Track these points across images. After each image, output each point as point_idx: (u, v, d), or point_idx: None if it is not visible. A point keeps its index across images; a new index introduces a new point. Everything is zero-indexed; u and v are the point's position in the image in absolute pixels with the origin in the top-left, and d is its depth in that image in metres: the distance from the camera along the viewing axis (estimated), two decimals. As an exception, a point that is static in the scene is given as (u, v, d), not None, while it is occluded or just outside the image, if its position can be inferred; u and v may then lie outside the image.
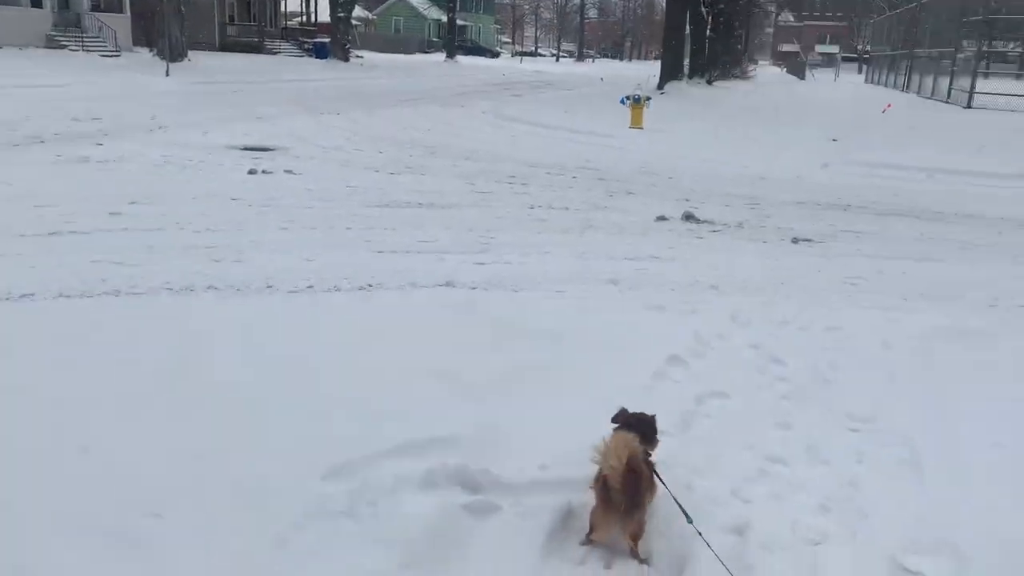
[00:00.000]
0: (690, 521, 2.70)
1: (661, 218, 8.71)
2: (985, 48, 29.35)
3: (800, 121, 20.00)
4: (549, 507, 3.03)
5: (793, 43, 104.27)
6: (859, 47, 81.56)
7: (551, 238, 7.64)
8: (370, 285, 5.93)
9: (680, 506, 2.72)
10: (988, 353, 4.68)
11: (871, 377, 4.54)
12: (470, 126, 17.72)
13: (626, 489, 2.76)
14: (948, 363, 4.60)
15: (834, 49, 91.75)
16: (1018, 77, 37.68)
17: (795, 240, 7.94)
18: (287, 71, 33.79)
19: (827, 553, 2.81)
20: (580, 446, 3.21)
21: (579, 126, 17.86)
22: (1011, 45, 45.90)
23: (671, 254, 7.28)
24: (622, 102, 18.39)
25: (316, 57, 44.06)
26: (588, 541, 2.90)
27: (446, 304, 5.33)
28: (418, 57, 59.14)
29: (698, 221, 8.66)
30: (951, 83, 27.51)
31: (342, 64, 42.82)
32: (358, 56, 48.15)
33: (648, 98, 18.22)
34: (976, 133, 16.81)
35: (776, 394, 4.35)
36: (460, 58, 57.49)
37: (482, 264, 6.63)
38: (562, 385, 4.08)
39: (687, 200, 9.97)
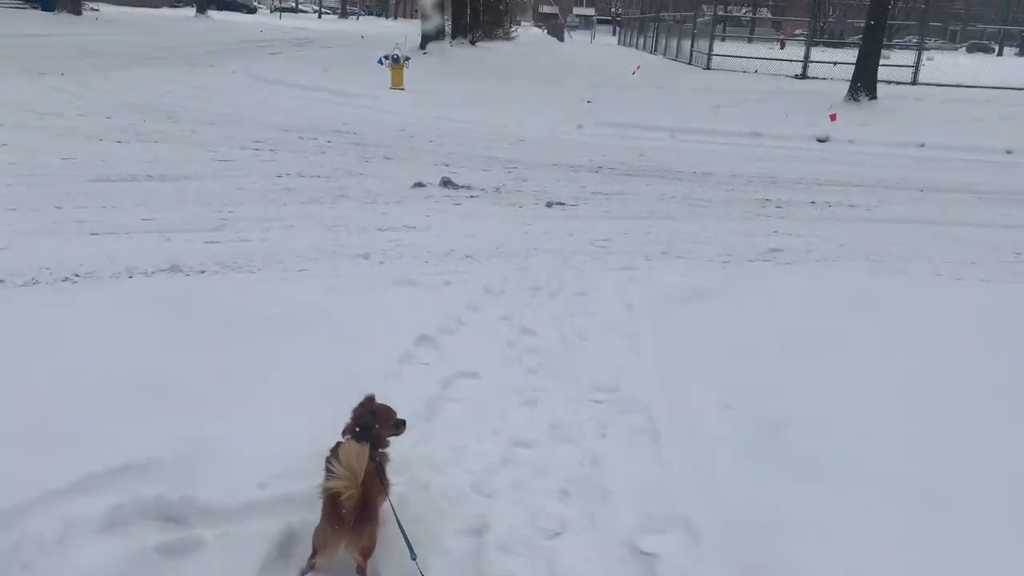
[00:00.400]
0: (413, 558, 2.43)
1: (419, 184, 8.42)
2: (721, 12, 31.75)
3: (558, 82, 20.47)
4: (265, 534, 2.65)
5: (552, 5, 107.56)
6: (612, 10, 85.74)
7: (299, 210, 7.09)
8: (77, 275, 5.12)
9: (406, 539, 2.44)
10: (717, 311, 4.86)
11: (615, 343, 4.56)
12: (218, 88, 16.33)
13: (357, 502, 2.45)
14: (682, 323, 4.72)
15: (590, 12, 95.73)
16: (749, 40, 41.23)
17: (549, 204, 7.97)
18: (2, 24, 29.41)
19: (565, 546, 2.69)
20: (309, 453, 2.86)
21: (338, 87, 17.06)
22: (744, 10, 50.40)
23: (427, 223, 7.02)
24: (380, 62, 17.79)
25: (41, 9, 38.77)
26: (311, 567, 2.56)
27: (163, 295, 4.68)
28: (165, 12, 53.89)
29: (456, 187, 8.47)
30: (692, 46, 29.50)
31: (73, 18, 38.01)
32: (93, 9, 43.03)
33: (407, 58, 17.76)
34: (713, 94, 18.05)
35: (525, 368, 4.23)
36: (212, 13, 53.14)
37: (215, 243, 5.98)
38: (291, 383, 3.67)
39: (446, 165, 9.75)
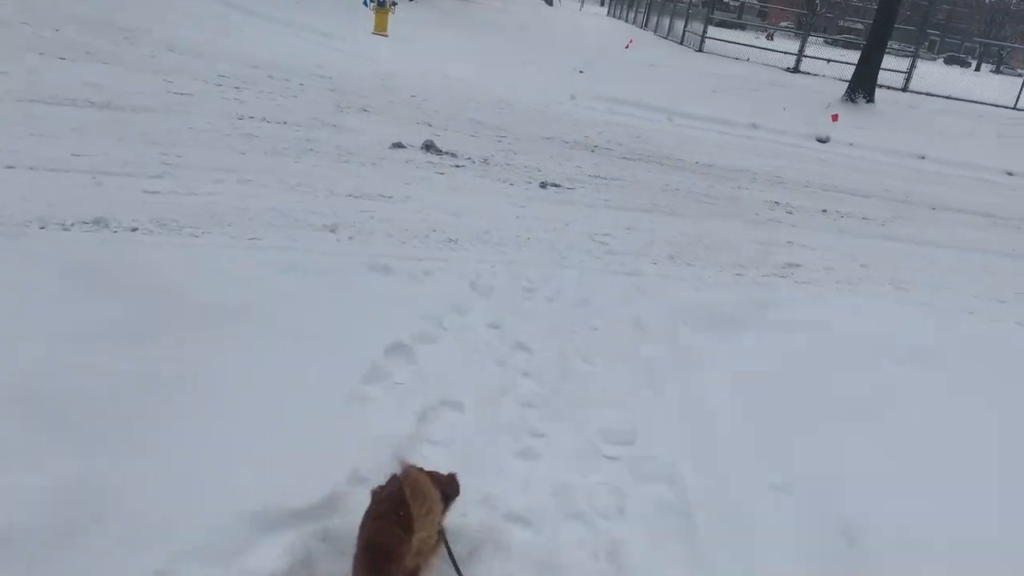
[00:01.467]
0: None
1: (398, 145, 7.50)
2: (713, -4, 30.92)
3: (549, 47, 19.48)
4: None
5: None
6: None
7: (258, 161, 6.15)
8: (-28, 223, 4.16)
9: None
10: (748, 348, 4.11)
11: (626, 375, 3.80)
12: (186, 10, 14.97)
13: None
14: (707, 360, 3.96)
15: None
16: (738, 28, 40.54)
17: (543, 184, 7.14)
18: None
19: None
20: (235, 517, 2.06)
21: (317, 24, 15.82)
22: (733, -3, 49.57)
23: (405, 192, 6.14)
24: (365, 4, 16.60)
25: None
26: None
27: (79, 261, 3.74)
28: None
29: (440, 152, 7.57)
30: (686, 26, 28.64)
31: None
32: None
33: (395, 3, 16.60)
34: (708, 78, 17.28)
35: (520, 400, 3.45)
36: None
37: (155, 193, 5.04)
38: (225, 404, 2.83)
39: (429, 125, 8.82)
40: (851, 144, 13.24)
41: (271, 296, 3.76)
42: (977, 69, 64.23)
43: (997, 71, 66.25)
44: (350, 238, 4.97)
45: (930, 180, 11.28)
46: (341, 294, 4.00)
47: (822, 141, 13.31)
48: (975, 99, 22.39)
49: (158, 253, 4.05)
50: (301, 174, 6.03)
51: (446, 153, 7.58)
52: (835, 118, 13.96)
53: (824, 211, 8.03)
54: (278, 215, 5.09)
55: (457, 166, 7.26)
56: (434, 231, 5.42)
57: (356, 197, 5.78)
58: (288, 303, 3.73)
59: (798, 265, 6.09)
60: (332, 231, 5.03)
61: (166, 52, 10.08)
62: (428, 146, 7.60)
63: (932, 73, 24.31)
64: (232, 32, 13.16)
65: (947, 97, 22.52)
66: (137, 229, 4.45)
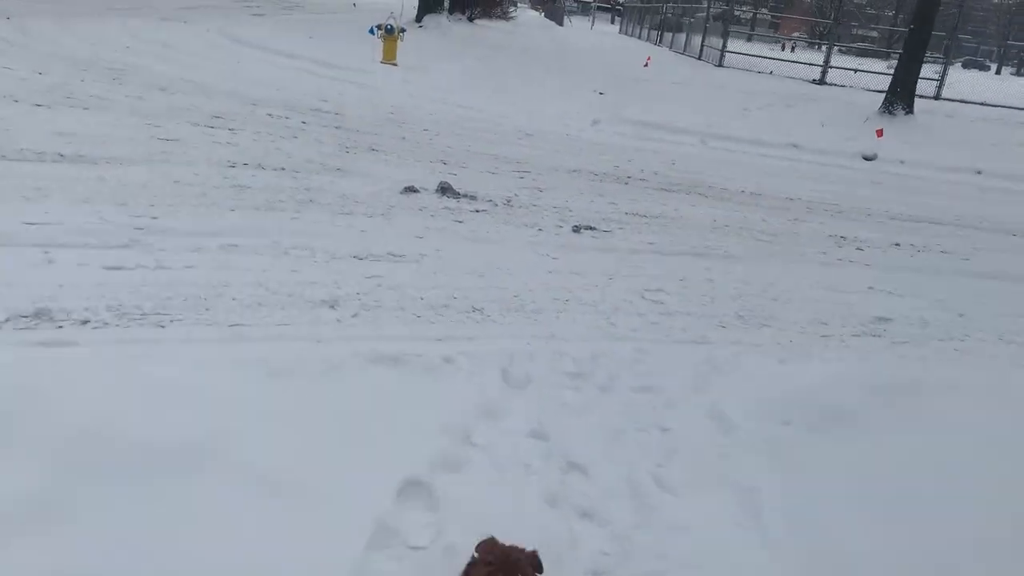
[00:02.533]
0: None
1: (410, 189, 6.61)
2: (724, 7, 30.04)
3: (564, 69, 18.66)
4: None
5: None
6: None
7: (247, 220, 5.27)
8: None
9: None
10: (881, 463, 3.12)
11: (721, 509, 2.84)
12: (186, 48, 14.31)
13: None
14: (833, 483, 2.98)
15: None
16: (748, 39, 39.54)
17: (576, 228, 6.21)
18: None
19: None
20: None
21: (324, 56, 15.07)
22: (745, 9, 48.74)
23: (419, 249, 5.24)
24: (371, 32, 15.85)
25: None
26: None
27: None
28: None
29: (457, 195, 6.67)
30: (703, 41, 27.80)
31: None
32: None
33: (403, 30, 15.84)
34: (735, 95, 16.37)
35: (585, 566, 2.49)
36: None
37: (117, 270, 4.17)
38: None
39: (444, 163, 7.94)
40: (901, 161, 12.23)
41: (247, 421, 2.84)
42: (998, 72, 63.12)
43: (1018, 73, 65.09)
44: (353, 316, 4.06)
45: (997, 200, 10.23)
46: (338, 407, 3.08)
47: (868, 159, 12.31)
48: (1011, 104, 21.36)
49: (96, 365, 3.13)
50: (298, 233, 5.15)
51: (464, 196, 6.69)
52: (880, 133, 12.96)
53: (897, 245, 7.03)
54: (267, 291, 4.20)
55: (477, 211, 6.36)
56: (454, 298, 4.50)
57: (361, 259, 4.88)
58: (269, 431, 2.81)
59: (889, 319, 5.11)
60: (332, 307, 4.13)
61: (157, 92, 9.30)
62: (444, 189, 6.71)
63: (958, 79, 23.27)
64: (232, 68, 12.42)
65: (982, 104, 21.52)
66: (88, 321, 3.58)
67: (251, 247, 4.76)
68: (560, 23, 53.48)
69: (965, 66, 59.83)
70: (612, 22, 70.24)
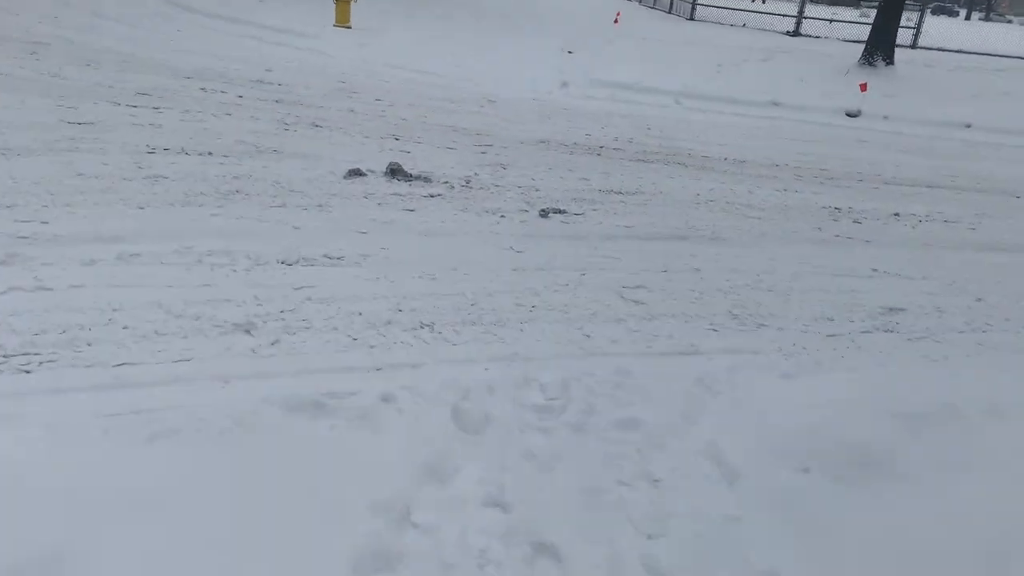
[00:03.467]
0: None
1: (355, 172, 5.85)
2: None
3: (531, 28, 17.74)
4: None
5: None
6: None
7: (158, 220, 4.51)
8: None
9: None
10: (910, 511, 2.49)
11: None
12: (120, 15, 13.24)
13: None
14: (856, 547, 2.35)
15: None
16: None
17: (544, 212, 5.51)
18: None
19: None
20: None
21: (271, 21, 14.07)
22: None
23: (361, 248, 4.51)
24: (323, -7, 14.86)
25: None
26: None
27: None
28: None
29: (409, 178, 5.93)
30: (673, -7, 26.92)
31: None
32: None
33: (357, -10, 14.85)
34: (709, 49, 15.59)
35: None
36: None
37: (-17, 298, 3.41)
38: None
39: (396, 137, 7.17)
40: (886, 117, 11.60)
41: (104, 523, 2.15)
42: (967, 18, 62.62)
43: (987, 19, 64.68)
44: (273, 343, 3.35)
45: (991, 156, 9.65)
46: (238, 487, 2.39)
47: (852, 115, 11.67)
48: (988, 51, 20.78)
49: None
50: (217, 234, 4.40)
51: (417, 178, 5.94)
52: (864, 87, 12.29)
53: (896, 215, 6.40)
54: (169, 314, 3.47)
55: (431, 196, 5.62)
56: (400, 311, 3.80)
57: (290, 264, 4.15)
58: (132, 537, 2.12)
59: (901, 309, 4.48)
60: (248, 332, 3.42)
61: (81, 67, 8.38)
62: (394, 170, 5.96)
63: (930, 27, 22.57)
64: (169, 37, 11.45)
65: (959, 51, 20.94)
66: (-70, 369, 2.84)
67: (156, 255, 4.01)
68: (526, -21, 51.99)
69: (934, 12, 59.25)
70: (579, -23, 68.62)
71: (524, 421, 3.00)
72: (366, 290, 3.97)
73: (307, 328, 3.51)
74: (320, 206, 5.09)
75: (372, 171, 5.94)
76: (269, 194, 5.17)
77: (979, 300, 4.75)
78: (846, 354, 3.86)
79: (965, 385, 3.34)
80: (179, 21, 13.44)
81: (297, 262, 4.18)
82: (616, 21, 20.53)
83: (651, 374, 3.43)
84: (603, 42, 15.98)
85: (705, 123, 9.71)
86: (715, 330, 4.00)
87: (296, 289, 3.86)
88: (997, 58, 20.23)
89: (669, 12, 26.79)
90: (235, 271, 3.97)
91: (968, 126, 11.60)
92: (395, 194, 5.56)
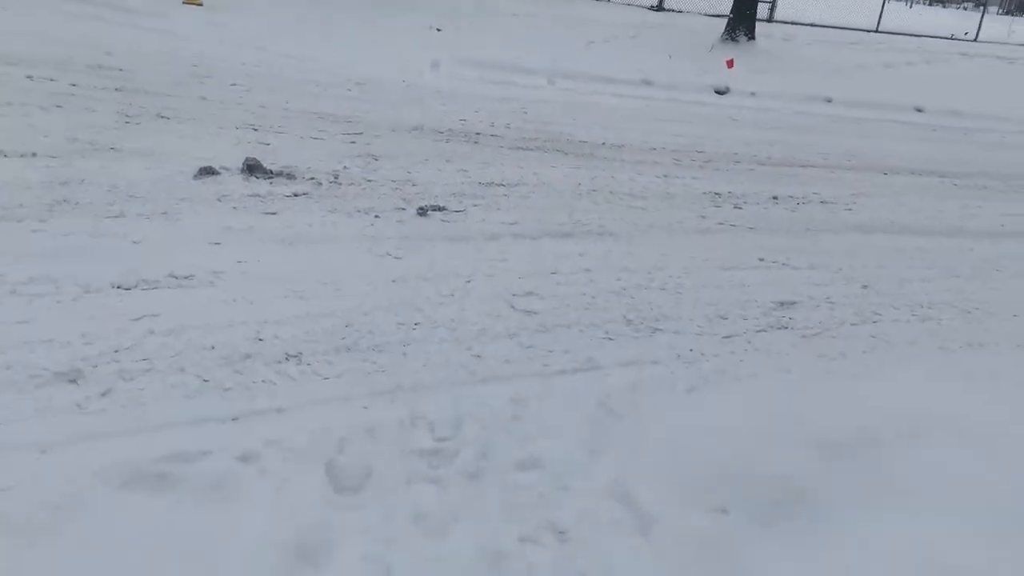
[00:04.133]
0: None
1: (207, 171, 5.24)
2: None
3: (400, 6, 17.08)
4: None
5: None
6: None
7: (-36, 241, 3.81)
8: None
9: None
10: (841, 559, 2.29)
11: None
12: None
13: None
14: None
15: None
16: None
17: (422, 211, 5.10)
18: None
19: None
20: None
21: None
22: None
23: (214, 263, 3.97)
24: (168, -34, 13.64)
25: None
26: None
27: None
28: None
29: (269, 175, 5.37)
30: (540, -32, 26.70)
31: None
32: None
33: (206, -37, 13.71)
34: (577, 25, 15.44)
35: None
36: None
37: None
38: None
39: (255, 128, 6.54)
40: (753, 93, 11.77)
41: None
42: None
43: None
44: (104, 394, 2.81)
45: (853, 131, 9.93)
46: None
47: (721, 93, 11.78)
48: (839, 24, 21.71)
49: None
50: (38, 256, 3.75)
51: (279, 174, 5.39)
52: (730, 64, 12.44)
53: (775, 199, 6.37)
54: (-31, 363, 2.86)
55: (295, 195, 5.10)
56: (260, 339, 3.32)
57: (128, 289, 3.57)
58: None
59: (792, 303, 4.38)
60: (73, 381, 2.86)
61: None
62: (251, 167, 5.38)
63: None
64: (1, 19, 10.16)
65: (812, 25, 21.76)
66: None
67: (-42, 286, 3.35)
68: (390, -49, 50.62)
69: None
70: (445, -51, 67.58)
71: (412, 471, 2.63)
72: (220, 316, 3.46)
73: (148, 371, 2.98)
74: (165, 214, 4.49)
75: (227, 168, 5.34)
76: (104, 202, 4.51)
77: (865, 287, 4.72)
78: (744, 358, 3.69)
79: (873, 399, 3.20)
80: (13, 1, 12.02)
81: (136, 285, 3.61)
82: (485, -4, 20.06)
83: (549, 398, 3.13)
84: (471, 17, 15.54)
85: (581, 104, 9.49)
86: (611, 339, 3.74)
87: (134, 320, 3.31)
88: (847, 31, 21.16)
89: (538, -14, 26.59)
90: (59, 302, 3.37)
91: (829, 100, 11.96)
92: (254, 195, 5.01)
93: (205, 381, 2.98)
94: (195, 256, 3.99)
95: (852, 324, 4.21)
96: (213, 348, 3.21)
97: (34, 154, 5.14)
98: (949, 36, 22.80)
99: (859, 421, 2.86)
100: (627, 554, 2.36)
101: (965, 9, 56.25)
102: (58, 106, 6.35)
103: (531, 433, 2.87)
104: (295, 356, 3.23)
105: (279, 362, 3.18)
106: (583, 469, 2.73)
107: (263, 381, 3.04)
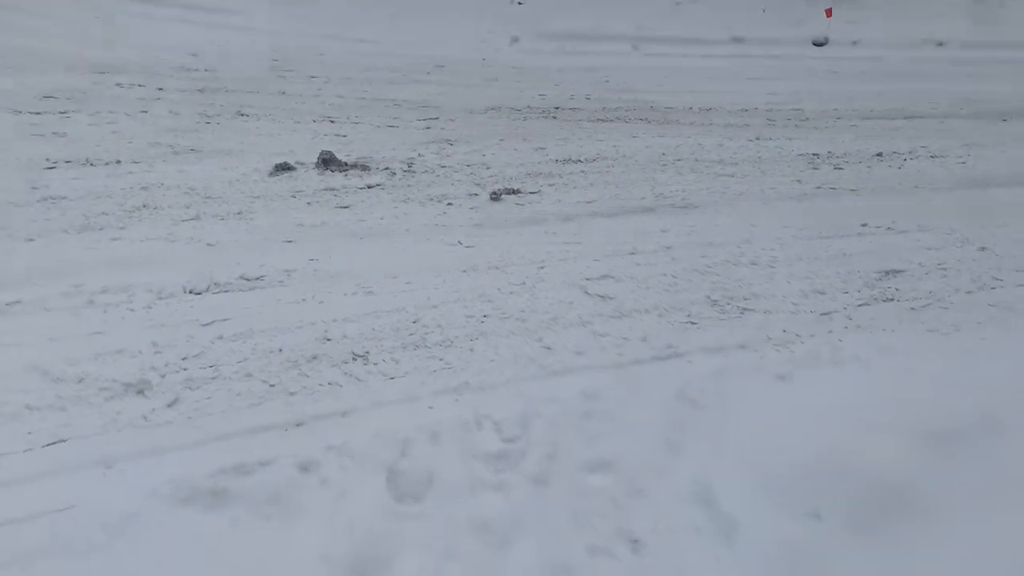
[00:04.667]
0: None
1: (283, 167, 5.25)
2: None
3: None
4: None
5: None
6: None
7: (49, 252, 3.91)
8: None
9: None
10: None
11: None
12: (15, 3, 12.32)
13: None
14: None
15: None
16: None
17: (495, 195, 4.94)
18: None
19: None
20: None
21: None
22: None
23: (286, 261, 3.94)
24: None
25: None
26: None
27: None
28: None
29: (344, 167, 5.33)
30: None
31: None
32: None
33: (287, -44, 13.89)
34: (665, -13, 14.86)
35: None
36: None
37: None
38: None
39: (331, 120, 6.53)
40: (854, 42, 11.01)
41: None
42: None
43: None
44: (170, 405, 2.80)
45: (967, 75, 9.12)
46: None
47: (819, 44, 11.07)
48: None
49: None
50: (115, 264, 3.81)
51: (353, 167, 5.35)
52: (829, 13, 11.66)
53: (879, 156, 5.88)
54: (47, 379, 2.91)
55: (369, 187, 5.04)
56: (327, 339, 3.26)
57: (199, 293, 3.58)
58: None
59: (898, 271, 3.99)
60: (141, 392, 2.86)
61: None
62: (326, 160, 5.35)
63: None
64: (91, 24, 10.59)
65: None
66: None
67: (40, 301, 3.43)
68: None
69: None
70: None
71: (475, 477, 2.49)
72: (289, 317, 3.41)
73: (214, 378, 2.96)
74: (240, 214, 4.50)
75: (302, 163, 5.34)
76: (181, 205, 4.57)
77: (983, 249, 4.27)
78: (844, 337, 3.37)
79: (993, 377, 2.85)
80: (97, 6, 12.53)
81: (207, 289, 3.61)
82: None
83: (624, 391, 2.93)
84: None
85: (667, 69, 9.09)
86: (694, 323, 3.49)
87: (204, 326, 3.30)
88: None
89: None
90: (132, 311, 3.40)
91: (941, 44, 11.05)
92: (328, 189, 4.97)
93: (271, 387, 2.94)
94: (267, 256, 3.97)
95: (968, 292, 3.80)
96: (280, 351, 3.16)
97: (118, 161, 5.26)
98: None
99: (977, 405, 2.53)
100: (708, 566, 2.15)
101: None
102: (143, 111, 6.52)
103: (603, 431, 2.69)
104: (362, 356, 3.15)
105: (345, 362, 3.10)
106: (660, 469, 2.53)
107: (329, 384, 2.97)
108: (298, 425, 2.71)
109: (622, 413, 2.79)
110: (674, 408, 2.82)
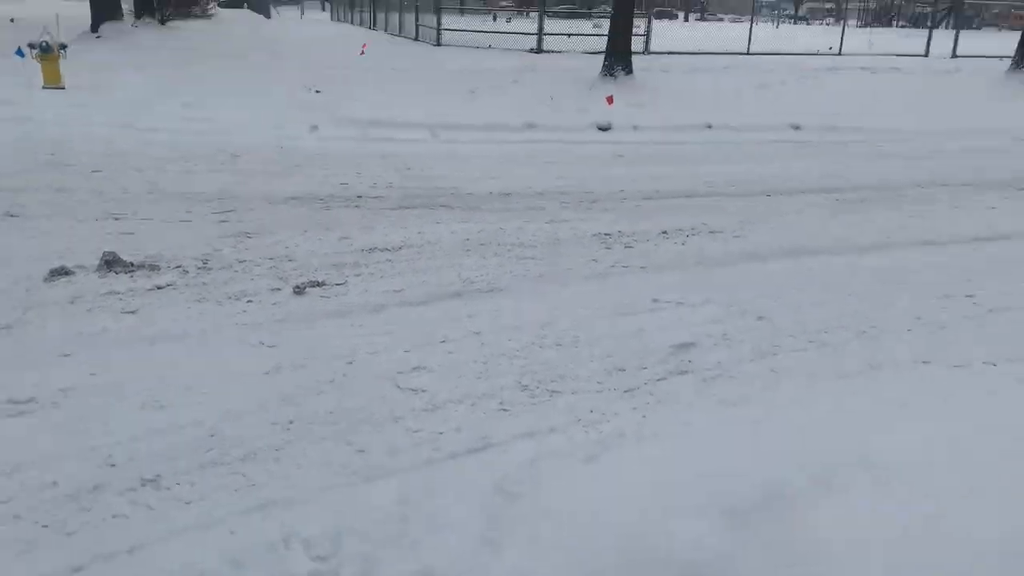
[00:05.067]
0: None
1: (59, 272, 4.82)
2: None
3: (275, 67, 16.77)
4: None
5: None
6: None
7: None
8: None
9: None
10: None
11: None
12: None
13: None
14: None
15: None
16: (461, 13, 39.30)
17: (299, 289, 4.80)
18: None
19: None
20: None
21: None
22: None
23: (62, 378, 3.57)
24: (18, 54, 12.98)
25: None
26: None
27: None
28: None
29: (130, 268, 4.98)
30: (417, 20, 26.88)
31: None
32: None
33: (63, 45, 13.07)
34: (459, 75, 15.50)
35: None
36: None
37: None
38: None
39: (116, 218, 6.12)
40: (635, 127, 11.94)
41: None
42: (686, 19, 69.03)
43: (702, 18, 71.88)
44: (-83, 565, 2.40)
45: (735, 155, 10.15)
46: None
47: (604, 129, 11.89)
48: (713, 51, 22.59)
49: None
50: None
51: (140, 267, 5.01)
52: (610, 101, 12.62)
53: (664, 233, 6.34)
54: None
55: (159, 288, 4.73)
56: (112, 465, 2.95)
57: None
58: None
59: (689, 345, 4.26)
60: None
61: None
62: (110, 262, 4.98)
63: (657, 30, 24.02)
64: None
65: (688, 53, 22.56)
66: None
67: None
68: (267, 15, 50.39)
69: (658, 16, 64.90)
70: (323, 9, 67.89)
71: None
72: (66, 443, 3.07)
73: (-27, 525, 2.58)
74: (9, 327, 4.05)
75: (82, 266, 4.93)
76: (-66, 323, 4.04)
77: (760, 319, 4.67)
78: (647, 413, 3.52)
79: (776, 445, 3.08)
80: None
81: (-41, 427, 3.18)
82: (363, 52, 20.01)
83: (441, 493, 2.87)
84: (350, 75, 15.38)
85: (465, 155, 9.37)
86: (506, 410, 3.52)
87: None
88: (720, 56, 22.04)
89: (416, 39, 26.71)
90: None
91: (709, 127, 12.23)
92: (111, 292, 4.61)
93: (44, 527, 2.60)
94: (40, 374, 3.59)
95: (751, 360, 4.12)
96: (56, 484, 2.82)
97: None
98: (816, 52, 24.02)
99: (763, 475, 2.71)
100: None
101: (827, 24, 59.92)
102: None
103: (421, 537, 2.61)
104: (152, 480, 2.88)
105: (132, 490, 2.82)
106: (482, 570, 2.47)
107: (114, 516, 2.68)
108: (76, 571, 2.41)
109: (440, 514, 2.72)
110: (491, 503, 2.80)
